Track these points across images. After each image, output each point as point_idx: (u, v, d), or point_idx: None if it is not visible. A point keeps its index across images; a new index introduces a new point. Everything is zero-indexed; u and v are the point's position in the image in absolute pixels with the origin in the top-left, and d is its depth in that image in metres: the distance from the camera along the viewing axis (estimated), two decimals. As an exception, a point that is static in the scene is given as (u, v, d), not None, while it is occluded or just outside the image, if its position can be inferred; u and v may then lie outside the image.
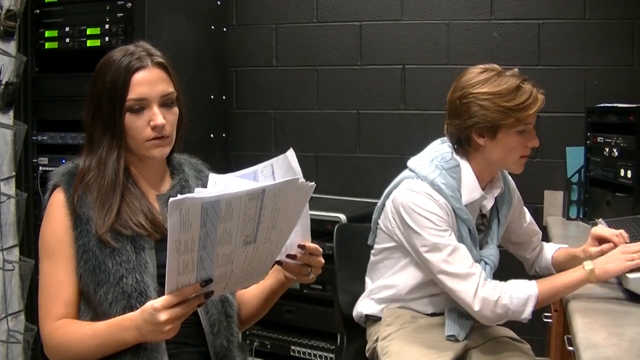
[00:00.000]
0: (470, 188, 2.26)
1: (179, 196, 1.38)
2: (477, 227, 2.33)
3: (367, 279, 2.49)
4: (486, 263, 2.30)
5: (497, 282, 2.16)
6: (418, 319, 2.33)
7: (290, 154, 1.64)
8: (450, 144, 2.33)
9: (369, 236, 2.49)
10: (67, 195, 1.78)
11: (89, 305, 1.76)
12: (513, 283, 2.15)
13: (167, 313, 1.52)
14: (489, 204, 2.34)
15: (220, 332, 1.85)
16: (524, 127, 2.20)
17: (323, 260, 1.80)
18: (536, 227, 2.58)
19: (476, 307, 2.11)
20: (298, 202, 1.56)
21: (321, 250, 1.78)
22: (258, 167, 1.67)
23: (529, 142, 2.23)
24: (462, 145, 2.28)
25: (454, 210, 2.23)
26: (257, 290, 2.01)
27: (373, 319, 2.41)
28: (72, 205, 1.77)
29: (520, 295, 2.10)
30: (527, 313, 2.11)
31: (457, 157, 2.29)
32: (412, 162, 2.34)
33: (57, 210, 1.78)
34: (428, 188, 2.22)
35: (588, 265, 2.06)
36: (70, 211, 1.77)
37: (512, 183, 2.51)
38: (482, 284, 2.12)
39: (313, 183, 1.55)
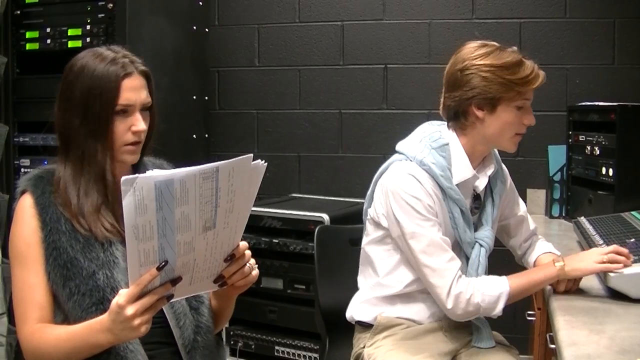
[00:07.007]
0: (461, 167, 2.22)
1: (131, 175, 1.38)
2: (471, 210, 2.29)
3: (359, 279, 2.42)
4: (481, 245, 2.25)
5: (470, 278, 2.15)
6: (410, 327, 2.27)
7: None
8: (440, 124, 2.30)
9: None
10: (35, 197, 1.77)
11: (59, 305, 1.74)
12: (484, 280, 2.14)
13: (133, 307, 1.50)
14: (482, 183, 2.29)
15: (187, 326, 1.84)
16: (522, 102, 2.18)
17: (249, 270, 1.73)
18: (530, 223, 2.52)
19: (449, 305, 2.10)
20: (252, 183, 1.55)
21: (247, 257, 1.70)
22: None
23: (525, 119, 2.21)
24: (459, 119, 2.24)
25: (444, 191, 2.19)
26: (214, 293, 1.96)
27: (364, 325, 2.34)
28: (41, 205, 1.76)
29: (492, 292, 2.10)
30: (497, 310, 2.11)
31: (447, 136, 2.25)
32: (400, 144, 2.30)
33: (24, 213, 1.77)
34: (416, 169, 2.18)
35: (559, 262, 2.08)
36: (38, 212, 1.75)
37: (505, 168, 2.46)
38: (456, 280, 2.10)
39: (264, 162, 1.54)
